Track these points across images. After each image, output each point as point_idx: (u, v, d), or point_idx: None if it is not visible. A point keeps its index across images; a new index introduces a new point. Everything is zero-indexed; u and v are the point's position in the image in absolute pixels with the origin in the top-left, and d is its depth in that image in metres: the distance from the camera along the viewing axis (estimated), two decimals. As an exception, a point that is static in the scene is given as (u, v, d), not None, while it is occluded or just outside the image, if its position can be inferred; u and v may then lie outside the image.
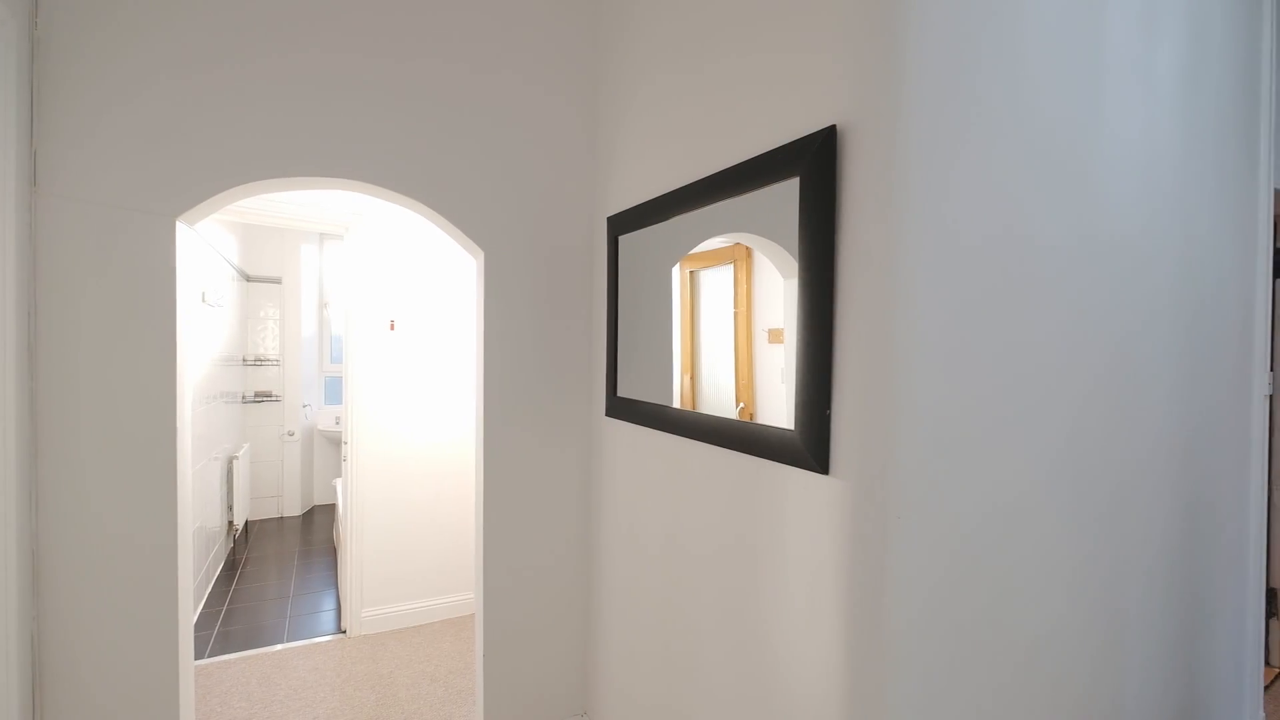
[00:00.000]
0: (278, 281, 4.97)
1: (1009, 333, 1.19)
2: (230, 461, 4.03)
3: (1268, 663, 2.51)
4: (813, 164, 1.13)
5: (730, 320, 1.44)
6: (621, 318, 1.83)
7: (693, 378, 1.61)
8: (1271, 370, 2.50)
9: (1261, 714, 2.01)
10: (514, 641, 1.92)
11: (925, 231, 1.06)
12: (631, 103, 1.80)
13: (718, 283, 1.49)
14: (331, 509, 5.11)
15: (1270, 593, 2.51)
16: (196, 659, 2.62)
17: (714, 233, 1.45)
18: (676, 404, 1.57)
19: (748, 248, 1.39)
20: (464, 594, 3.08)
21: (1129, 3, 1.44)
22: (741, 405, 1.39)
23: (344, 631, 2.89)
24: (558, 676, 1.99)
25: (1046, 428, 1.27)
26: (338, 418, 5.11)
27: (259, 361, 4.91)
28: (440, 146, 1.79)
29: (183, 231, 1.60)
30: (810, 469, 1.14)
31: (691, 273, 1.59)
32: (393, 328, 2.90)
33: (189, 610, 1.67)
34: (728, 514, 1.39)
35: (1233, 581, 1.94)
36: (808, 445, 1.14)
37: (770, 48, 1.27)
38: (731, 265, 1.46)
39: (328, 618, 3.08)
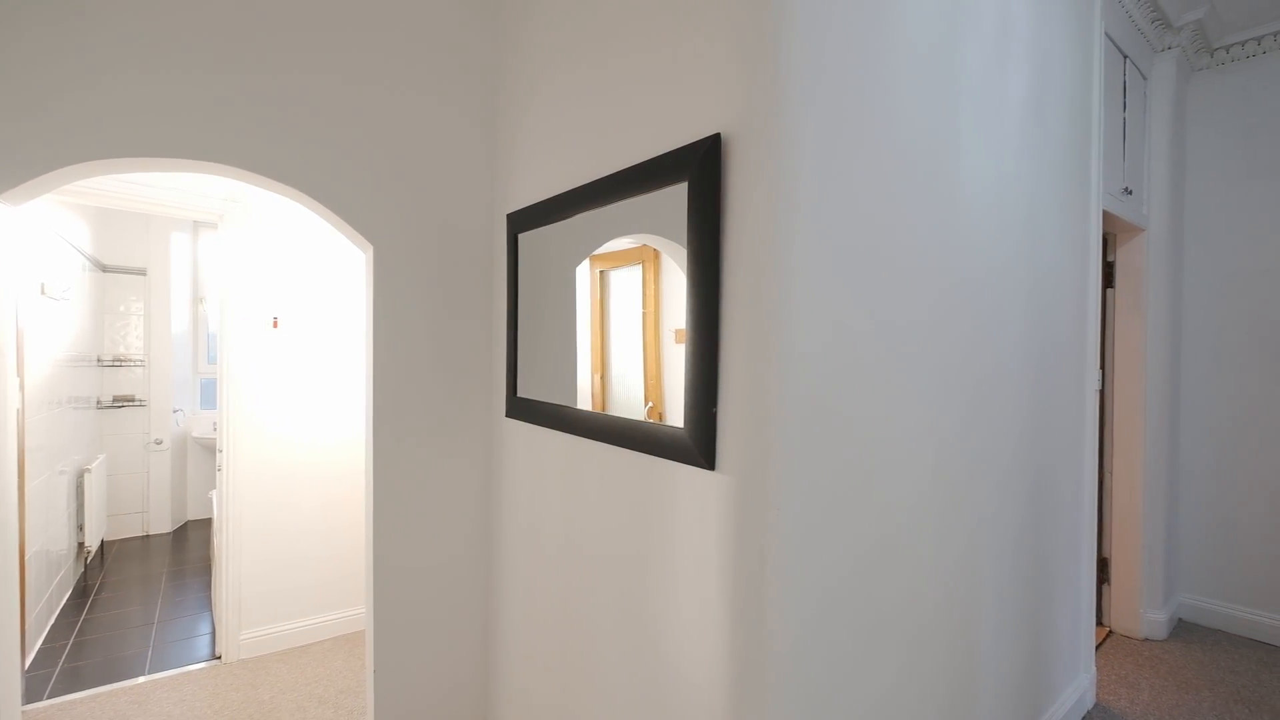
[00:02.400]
0: (142, 273, 4.45)
1: (881, 331, 1.28)
2: (81, 475, 3.56)
3: (1100, 623, 2.89)
4: (699, 169, 1.16)
5: (639, 321, 1.45)
6: (523, 317, 1.80)
7: (603, 378, 1.61)
8: (1101, 368, 2.88)
9: (1093, 668, 2.31)
10: (408, 653, 1.83)
11: (804, 238, 1.12)
12: (531, 101, 1.77)
13: (627, 283, 1.50)
14: (209, 524, 4.64)
15: (1102, 561, 2.89)
16: (31, 702, 2.29)
17: (616, 233, 1.45)
18: (581, 404, 1.56)
19: (656, 250, 1.40)
20: (358, 608, 2.90)
21: (984, 38, 1.60)
22: (650, 405, 1.40)
23: (219, 657, 2.64)
24: (456, 685, 1.92)
25: (913, 422, 1.38)
26: (216, 423, 4.65)
27: (119, 362, 4.37)
28: (324, 133, 1.67)
29: (3, 213, 1.39)
30: (699, 465, 1.18)
31: (601, 273, 1.59)
32: (276, 325, 2.68)
33: (15, 647, 1.46)
34: (623, 513, 1.41)
35: (1071, 553, 2.21)
36: (696, 442, 1.18)
37: (661, 57, 1.30)
38: (640, 266, 1.47)
39: (201, 643, 2.80)
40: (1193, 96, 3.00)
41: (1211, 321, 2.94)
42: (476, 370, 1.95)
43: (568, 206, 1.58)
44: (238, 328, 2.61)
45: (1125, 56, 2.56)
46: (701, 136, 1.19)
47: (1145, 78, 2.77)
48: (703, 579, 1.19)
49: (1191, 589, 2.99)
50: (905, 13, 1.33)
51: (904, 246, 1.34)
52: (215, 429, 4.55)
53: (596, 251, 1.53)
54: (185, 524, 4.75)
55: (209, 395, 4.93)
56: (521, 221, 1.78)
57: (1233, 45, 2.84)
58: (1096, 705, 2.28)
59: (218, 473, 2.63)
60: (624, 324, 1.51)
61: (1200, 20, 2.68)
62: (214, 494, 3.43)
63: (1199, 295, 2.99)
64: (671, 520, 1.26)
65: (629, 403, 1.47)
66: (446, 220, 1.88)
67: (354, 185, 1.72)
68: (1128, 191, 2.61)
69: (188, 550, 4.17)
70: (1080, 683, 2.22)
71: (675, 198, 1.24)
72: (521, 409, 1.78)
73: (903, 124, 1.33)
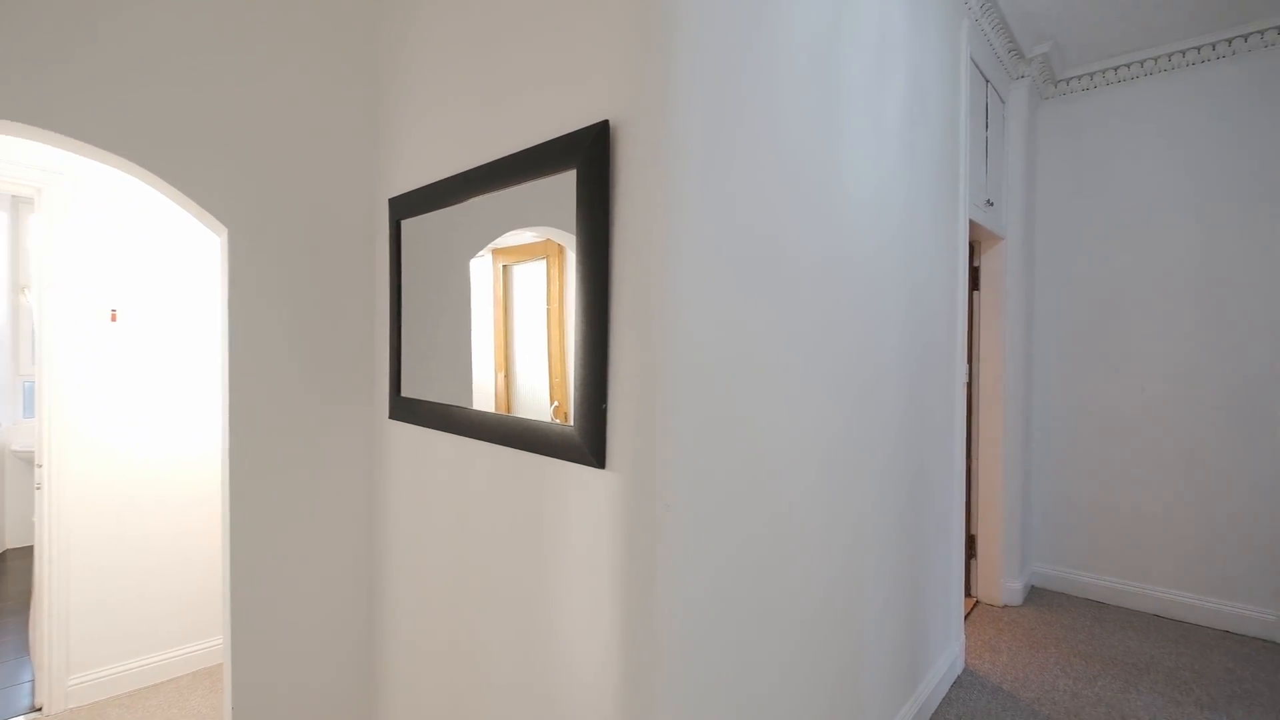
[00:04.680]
0: (-57, 256, 3.73)
1: (773, 328, 1.30)
2: None
3: (969, 594, 3.18)
4: (588, 157, 1.12)
5: (544, 317, 1.38)
6: (409, 311, 1.66)
7: (507, 376, 1.52)
8: (968, 364, 3.16)
9: (963, 636, 2.52)
10: (276, 687, 1.64)
11: (695, 231, 1.10)
12: (418, 79, 1.64)
13: (531, 278, 1.42)
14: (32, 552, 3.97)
15: (970, 539, 3.17)
16: None
17: (513, 225, 1.37)
18: (481, 405, 1.46)
19: (560, 245, 1.34)
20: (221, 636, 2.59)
21: (865, 48, 1.68)
22: (556, 404, 1.34)
23: (39, 709, 2.25)
24: (335, 712, 1.75)
25: (804, 418, 1.42)
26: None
27: (-90, 363, 3.63)
28: (167, 97, 1.45)
29: None
30: (589, 464, 1.13)
31: (505, 267, 1.50)
32: (115, 319, 2.32)
33: None
34: (514, 517, 1.33)
35: (943, 534, 2.40)
36: (586, 440, 1.13)
37: (552, 41, 1.24)
38: (544, 261, 1.40)
39: (20, 693, 2.38)
40: (1041, 121, 3.37)
41: (1056, 321, 3.32)
42: (356, 369, 1.78)
43: (454, 192, 1.47)
44: (64, 321, 2.23)
45: (988, 81, 2.82)
46: (590, 123, 1.14)
47: (1003, 102, 3.07)
48: (594, 583, 1.14)
49: (1042, 559, 3.36)
50: (790, 15, 1.35)
51: (796, 246, 1.37)
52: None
53: (498, 245, 1.44)
54: (4, 553, 4.04)
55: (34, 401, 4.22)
56: (404, 207, 1.65)
57: (1073, 79, 3.22)
58: (965, 670, 2.49)
59: (37, 491, 2.23)
60: (528, 321, 1.44)
61: (1047, 54, 3.01)
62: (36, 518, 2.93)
63: (1047, 298, 3.36)
64: (564, 523, 1.21)
65: (534, 402, 1.39)
66: (320, 203, 1.70)
67: (204, 159, 1.51)
68: (990, 203, 2.87)
69: (6, 585, 3.55)
70: (952, 651, 2.42)
71: (565, 186, 1.18)
72: (406, 410, 1.65)
73: (791, 125, 1.35)
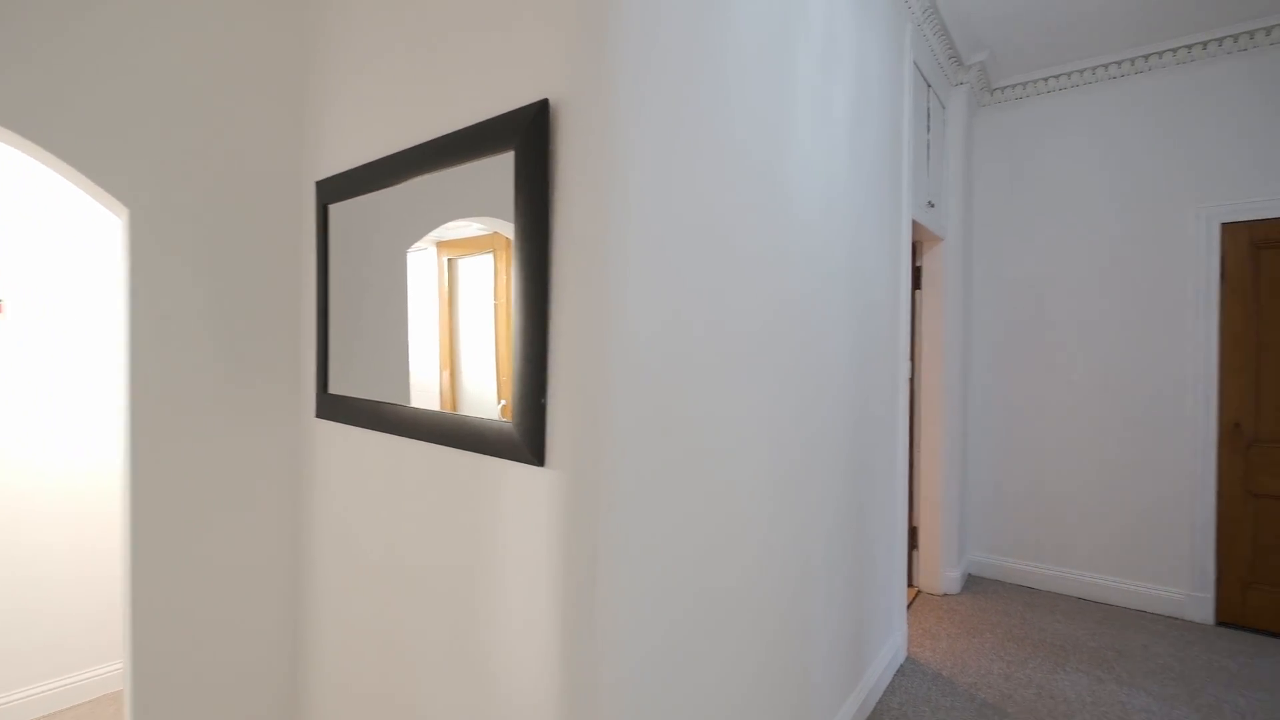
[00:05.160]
0: None
1: (721, 323, 1.27)
2: None
3: (911, 584, 3.28)
4: (526, 138, 1.06)
5: (491, 313, 1.30)
6: (339, 303, 1.56)
7: (453, 374, 1.43)
8: (911, 361, 3.25)
9: (905, 625, 2.59)
10: (187, 712, 1.50)
11: (640, 220, 1.06)
12: (348, 53, 1.53)
13: (478, 272, 1.35)
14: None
15: (912, 530, 3.27)
16: None
17: (453, 214, 1.29)
18: (424, 403, 1.37)
19: (507, 238, 1.27)
20: (136, 656, 2.38)
21: (813, 45, 1.68)
22: (504, 403, 1.26)
23: (-88, 747, 2.01)
24: (254, 739, 1.63)
25: (752, 414, 1.40)
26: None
27: None
28: (59, 64, 1.30)
29: None
30: (528, 462, 1.07)
31: (450, 260, 1.41)
32: (1, 310, 2.09)
33: None
34: (450, 520, 1.26)
35: (887, 526, 2.45)
36: (524, 437, 1.07)
37: (490, 14, 1.17)
38: (491, 254, 1.33)
39: (-112, 731, 2.11)
40: (978, 127, 3.50)
41: (992, 320, 3.46)
42: (280, 365, 1.66)
43: (386, 175, 1.38)
44: (-60, 312, 1.99)
45: (929, 86, 2.90)
46: (529, 102, 1.08)
47: (944, 107, 3.17)
48: (533, 588, 1.08)
49: (979, 548, 3.50)
50: (738, 5, 1.33)
51: (744, 238, 1.35)
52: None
53: (442, 238, 1.35)
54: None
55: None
56: (333, 190, 1.54)
57: (1007, 87, 3.36)
58: (908, 658, 2.55)
59: (-92, 503, 1.99)
60: (475, 316, 1.36)
61: (984, 62, 3.13)
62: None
63: (984, 297, 3.50)
64: (502, 525, 1.15)
65: (481, 400, 1.32)
66: (238, 184, 1.57)
67: (100, 133, 1.36)
68: (931, 205, 2.96)
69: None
70: (895, 641, 2.47)
71: (505, 170, 1.12)
72: (335, 408, 1.54)
73: (740, 115, 1.33)
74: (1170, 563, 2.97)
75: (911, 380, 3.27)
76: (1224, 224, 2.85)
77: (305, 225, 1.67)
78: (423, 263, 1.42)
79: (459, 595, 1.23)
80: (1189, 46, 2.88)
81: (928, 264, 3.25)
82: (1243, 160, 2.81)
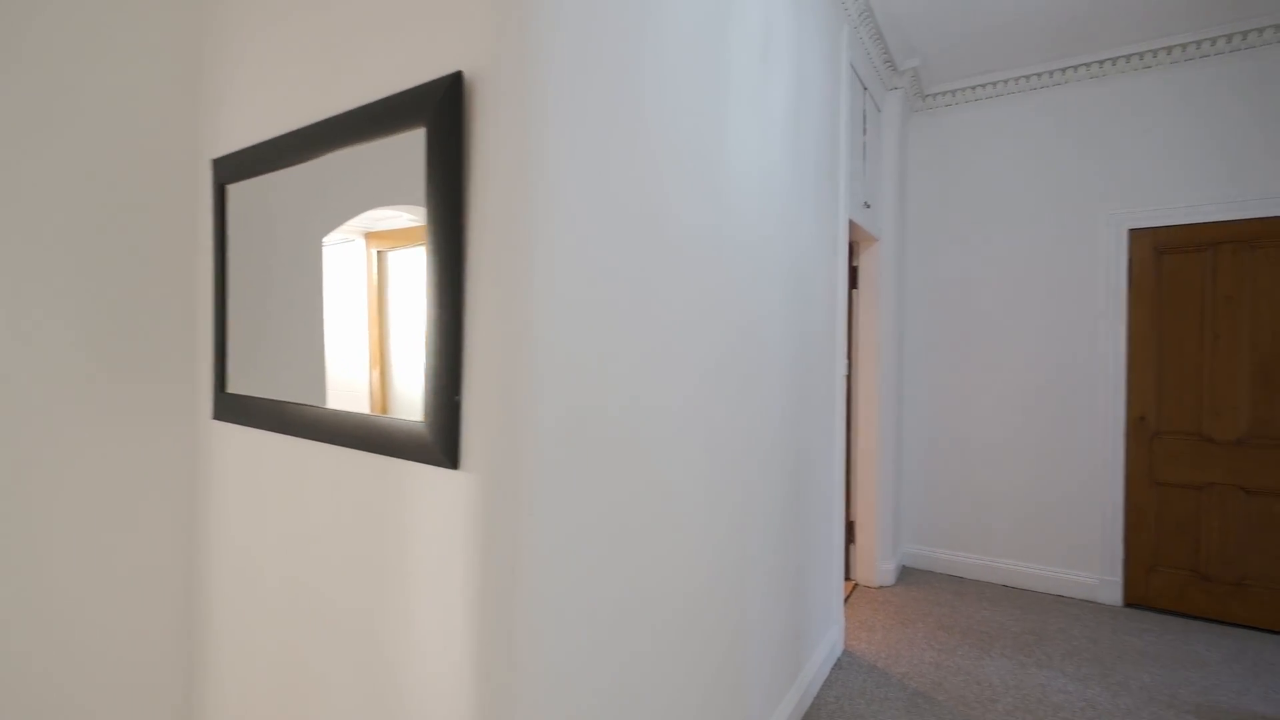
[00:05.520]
0: None
1: (651, 313, 1.22)
2: None
3: (848, 578, 3.34)
4: (438, 114, 0.97)
5: (424, 308, 1.20)
6: (242, 294, 1.42)
7: (383, 373, 1.32)
8: (848, 357, 3.32)
9: (843, 619, 2.63)
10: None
11: (565, 203, 0.99)
12: (249, 14, 1.39)
13: (410, 266, 1.24)
14: None
15: (849, 524, 3.34)
16: None
17: (370, 200, 1.18)
18: (344, 404, 1.25)
19: None
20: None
21: (750, 35, 1.66)
22: None
23: None
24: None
25: (685, 406, 1.36)
26: None
27: None
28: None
29: None
30: (440, 465, 0.99)
31: (380, 253, 1.30)
32: None
33: None
34: (356, 528, 1.16)
35: (825, 520, 2.48)
36: (437, 437, 0.99)
37: (399, -29, 1.08)
38: (424, 246, 1.23)
39: None
40: (912, 132, 3.61)
41: (925, 319, 3.58)
42: (172, 362, 1.50)
43: (289, 152, 1.26)
44: None
45: (865, 88, 2.96)
46: (441, 74, 1.00)
47: (879, 110, 3.25)
48: (447, 602, 1.00)
49: (912, 540, 3.61)
50: (672, -15, 1.29)
51: (677, 226, 1.31)
52: None
53: (374, 229, 1.24)
54: None
55: None
56: (231, 169, 1.40)
57: (939, 94, 3.48)
58: (845, 651, 2.59)
59: None
60: (407, 312, 1.26)
61: (917, 69, 3.22)
62: None
63: (917, 297, 3.61)
64: (413, 535, 1.06)
65: (412, 401, 1.22)
66: (118, 159, 1.40)
67: (-61, 90, 1.18)
68: (867, 205, 3.02)
69: None
70: (832, 634, 2.51)
71: (416, 150, 1.03)
72: (234, 408, 1.40)
73: (675, 99, 1.29)
74: (1084, 549, 3.14)
75: (849, 377, 3.34)
76: (1131, 230, 3.04)
77: (202, 208, 1.52)
78: (350, 255, 1.31)
79: (366, 611, 1.13)
80: (1100, 62, 3.06)
81: (864, 264, 3.32)
82: (1148, 170, 3.00)
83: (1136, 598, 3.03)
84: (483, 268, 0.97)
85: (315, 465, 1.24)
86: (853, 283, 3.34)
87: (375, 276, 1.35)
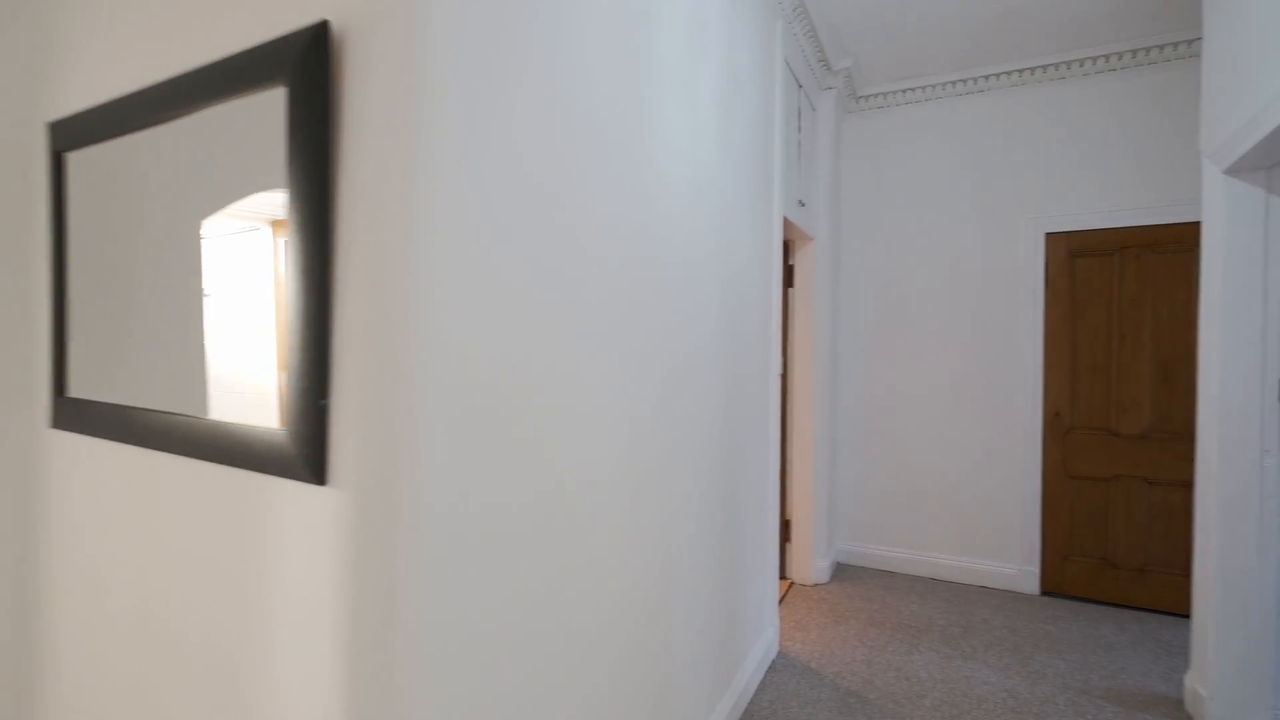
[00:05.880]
0: None
1: (559, 302, 1.11)
2: None
3: (784, 576, 3.34)
4: (300, 71, 0.83)
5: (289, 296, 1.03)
6: (91, 282, 1.21)
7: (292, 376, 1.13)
8: (783, 356, 3.32)
9: (777, 620, 2.60)
10: None
11: (454, 175, 0.87)
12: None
13: None
14: None
15: (785, 523, 3.34)
16: None
17: (261, 183, 1.00)
18: (236, 411, 1.06)
19: None
20: None
21: (678, 18, 1.58)
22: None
23: None
24: None
25: (603, 405, 1.25)
26: None
27: None
28: None
29: None
30: (304, 480, 0.85)
31: (286, 242, 1.11)
32: None
33: None
34: (214, 551, 0.99)
35: (759, 521, 2.44)
36: (300, 448, 0.85)
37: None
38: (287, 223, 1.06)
39: None
40: (846, 133, 3.65)
41: (858, 318, 3.63)
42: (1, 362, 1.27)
43: (136, 115, 1.08)
44: None
45: (800, 86, 2.95)
46: (305, 24, 0.86)
47: (814, 109, 3.25)
48: (313, 639, 0.86)
49: (846, 536, 3.66)
50: (587, -50, 1.18)
51: (596, 210, 1.20)
52: None
53: (279, 217, 1.06)
54: None
55: None
56: (70, 135, 1.19)
57: (871, 96, 3.52)
58: (779, 654, 2.57)
59: None
60: None
61: (850, 69, 3.25)
62: None
63: (850, 296, 3.66)
64: (275, 561, 0.91)
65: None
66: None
67: None
68: (802, 204, 3.02)
69: None
70: (767, 636, 2.47)
71: (277, 112, 0.88)
72: (74, 416, 1.20)
73: (593, 78, 1.18)
74: (1006, 541, 3.26)
75: (785, 376, 3.33)
76: (1048, 233, 3.16)
77: (37, 181, 1.29)
78: (253, 245, 1.13)
79: (222, 646, 0.97)
80: (1019, 70, 3.17)
81: (800, 262, 3.32)
82: (1065, 176, 3.13)
83: (1053, 586, 3.17)
84: (355, 248, 0.83)
85: (168, 481, 1.06)
86: (789, 281, 3.34)
87: (283, 269, 1.18)
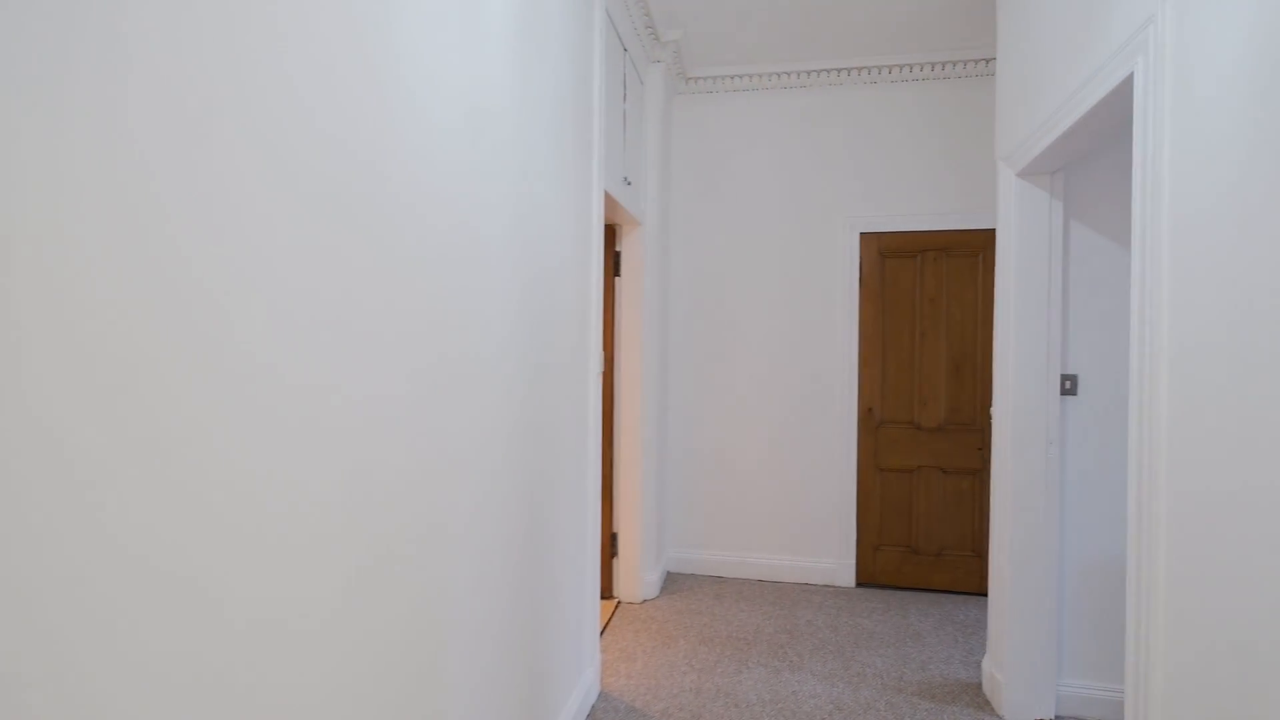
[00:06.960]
0: None
1: (233, 290, 0.59)
2: None
3: (610, 595, 3.02)
4: None
5: None
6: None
7: None
8: (608, 352, 2.99)
9: (598, 657, 2.24)
10: None
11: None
12: None
13: None
14: None
15: (612, 536, 3.01)
16: None
17: None
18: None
19: None
20: None
21: None
22: None
23: None
24: None
25: (322, 439, 0.76)
26: None
27: None
28: None
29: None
30: None
31: None
32: None
33: None
34: None
35: (576, 542, 2.06)
36: None
37: None
38: None
39: None
40: (676, 113, 3.45)
41: (687, 312, 3.44)
42: None
43: None
44: None
45: (626, 50, 2.63)
46: None
47: (642, 82, 2.97)
48: None
49: (676, 544, 3.45)
50: None
51: (291, 137, 0.69)
52: None
53: None
54: None
55: None
56: None
57: (701, 79, 3.35)
58: (600, 695, 2.21)
59: None
60: None
61: (679, 43, 3.03)
62: None
63: (679, 288, 3.46)
64: None
65: None
66: None
67: None
68: (628, 182, 2.71)
69: None
70: (585, 680, 2.10)
71: None
72: None
73: None
74: (825, 536, 3.28)
75: (611, 375, 3.01)
76: (862, 233, 3.24)
77: None
78: None
79: None
80: (838, 70, 3.21)
81: (628, 249, 3.02)
82: (878, 177, 3.22)
83: (866, 576, 3.25)
84: None
85: None
86: (615, 270, 3.02)
87: None
